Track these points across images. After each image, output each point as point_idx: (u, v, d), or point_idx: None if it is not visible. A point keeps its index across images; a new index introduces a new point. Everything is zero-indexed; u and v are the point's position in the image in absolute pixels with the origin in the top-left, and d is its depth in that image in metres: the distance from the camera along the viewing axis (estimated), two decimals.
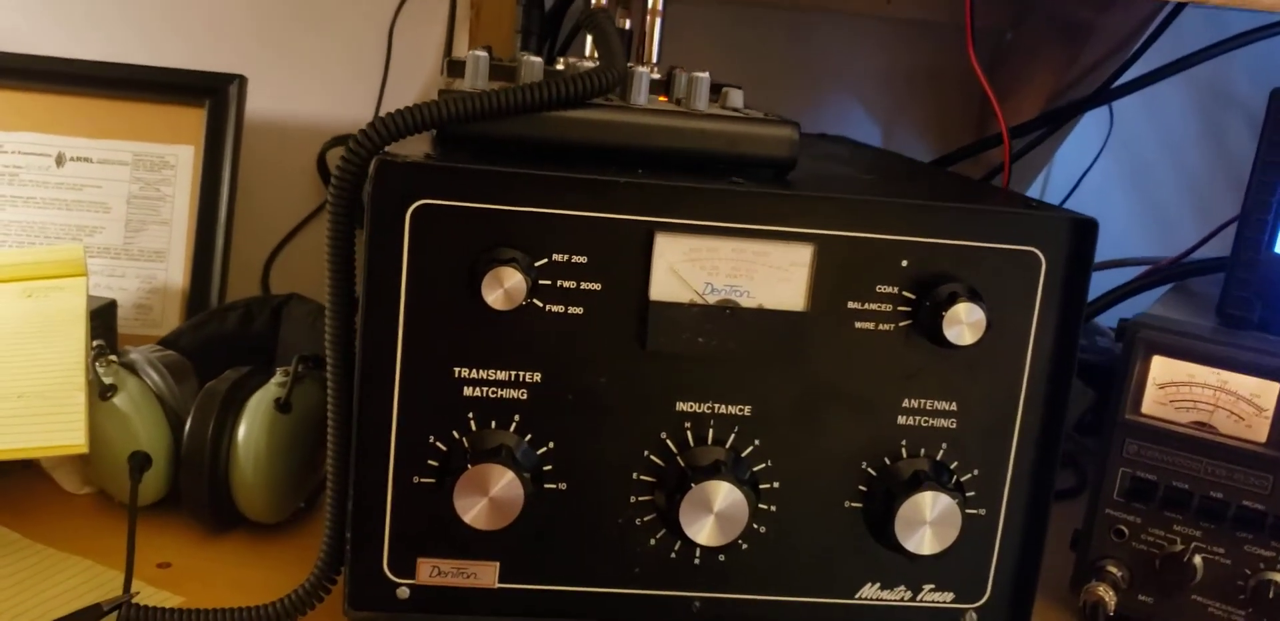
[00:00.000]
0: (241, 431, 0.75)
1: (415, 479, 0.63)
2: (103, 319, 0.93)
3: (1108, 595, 0.67)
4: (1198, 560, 0.66)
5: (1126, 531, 0.69)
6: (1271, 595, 0.64)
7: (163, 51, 1.13)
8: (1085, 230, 0.62)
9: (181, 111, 1.12)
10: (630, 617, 0.66)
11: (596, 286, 0.62)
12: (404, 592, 0.64)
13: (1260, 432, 0.64)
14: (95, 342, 0.81)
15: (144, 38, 1.16)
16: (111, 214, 1.12)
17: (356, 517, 0.63)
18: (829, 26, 1.19)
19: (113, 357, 0.80)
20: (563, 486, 0.64)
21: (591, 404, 0.63)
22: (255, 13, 1.17)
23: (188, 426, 0.76)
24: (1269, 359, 0.64)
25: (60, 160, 1.12)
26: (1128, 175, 1.20)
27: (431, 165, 0.60)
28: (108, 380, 0.77)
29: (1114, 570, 0.68)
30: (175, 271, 1.12)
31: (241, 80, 1.11)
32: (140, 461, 0.76)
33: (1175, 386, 0.67)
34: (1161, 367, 0.67)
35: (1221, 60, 1.03)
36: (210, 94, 1.11)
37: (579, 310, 0.62)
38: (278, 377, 0.78)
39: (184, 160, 1.13)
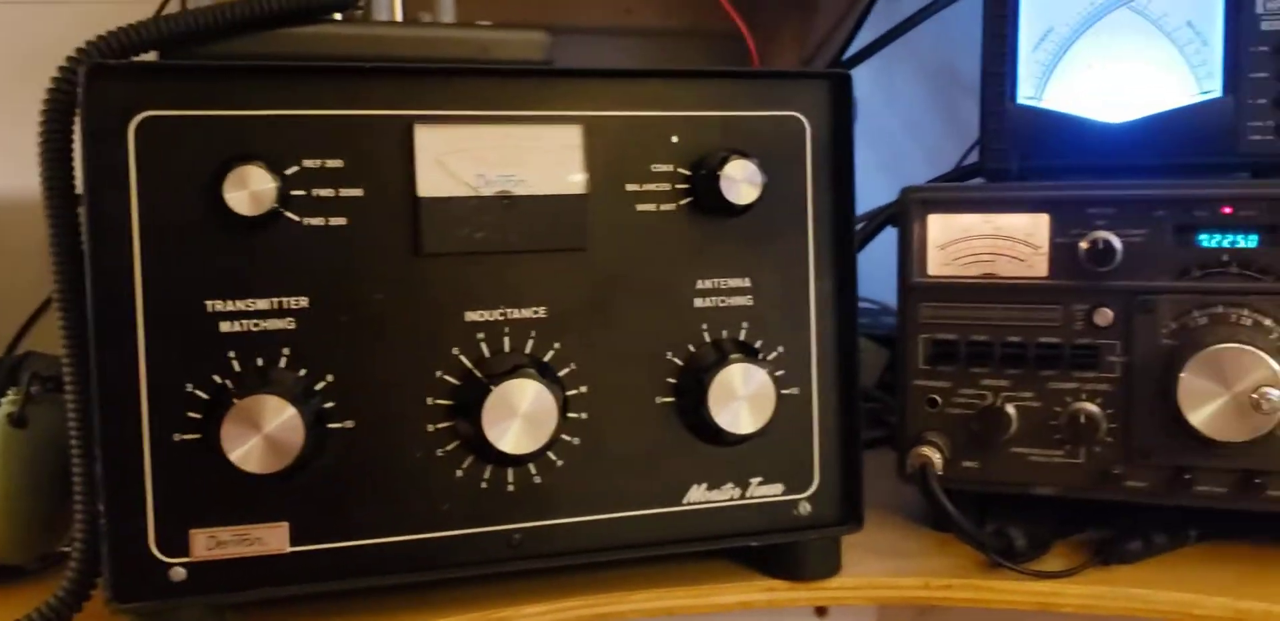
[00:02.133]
0: None
1: (176, 437, 0.55)
2: None
3: (934, 454, 0.65)
4: (1010, 409, 0.66)
5: (939, 399, 0.68)
6: (1083, 420, 0.64)
7: None
8: (840, 86, 0.63)
9: None
10: (445, 563, 0.59)
11: (358, 192, 0.57)
12: (179, 573, 0.55)
13: (1041, 268, 0.66)
14: None
15: None
16: None
17: (110, 491, 0.54)
18: (571, 44, 1.20)
19: None
20: (349, 424, 0.57)
21: (370, 325, 0.57)
22: None
23: None
24: (1033, 192, 0.67)
25: None
26: (882, 161, 1.27)
27: (154, 66, 0.55)
28: None
29: (935, 439, 0.67)
30: None
31: None
32: None
33: (955, 244, 0.68)
34: (939, 226, 0.68)
35: (949, 46, 1.10)
36: None
37: (341, 220, 0.57)
38: (9, 396, 0.68)
39: None
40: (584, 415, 0.60)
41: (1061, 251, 0.66)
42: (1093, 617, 0.63)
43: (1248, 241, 0.63)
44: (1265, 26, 0.65)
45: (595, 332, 0.60)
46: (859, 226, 1.01)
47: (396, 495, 0.58)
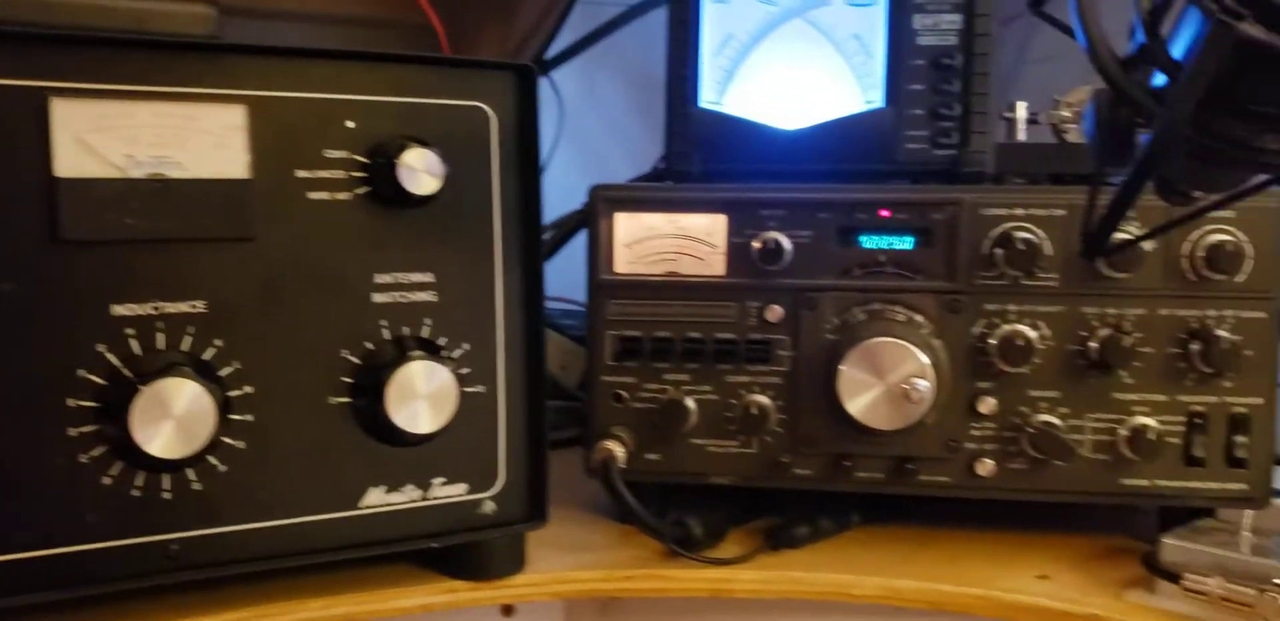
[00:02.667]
0: None
1: None
2: None
3: (618, 448, 0.66)
4: (690, 402, 0.68)
5: (624, 394, 0.69)
6: (755, 412, 0.67)
7: None
8: (526, 78, 0.62)
9: None
10: (92, 579, 0.54)
11: None
12: None
13: (719, 267, 0.68)
14: None
15: None
16: None
17: None
18: (258, 28, 1.14)
19: None
20: None
21: (1, 319, 0.51)
22: None
23: None
24: (712, 194, 0.69)
25: None
26: (588, 166, 1.29)
27: None
28: None
29: (620, 433, 0.68)
30: None
31: None
32: None
33: (640, 242, 0.69)
34: (625, 225, 0.69)
35: (650, 51, 1.13)
36: None
37: None
38: None
39: None
40: (249, 417, 0.56)
41: (737, 251, 0.68)
42: (762, 601, 0.66)
43: (903, 243, 0.67)
44: (921, 42, 0.70)
45: (263, 329, 0.57)
46: (559, 227, 1.01)
47: (34, 506, 0.52)
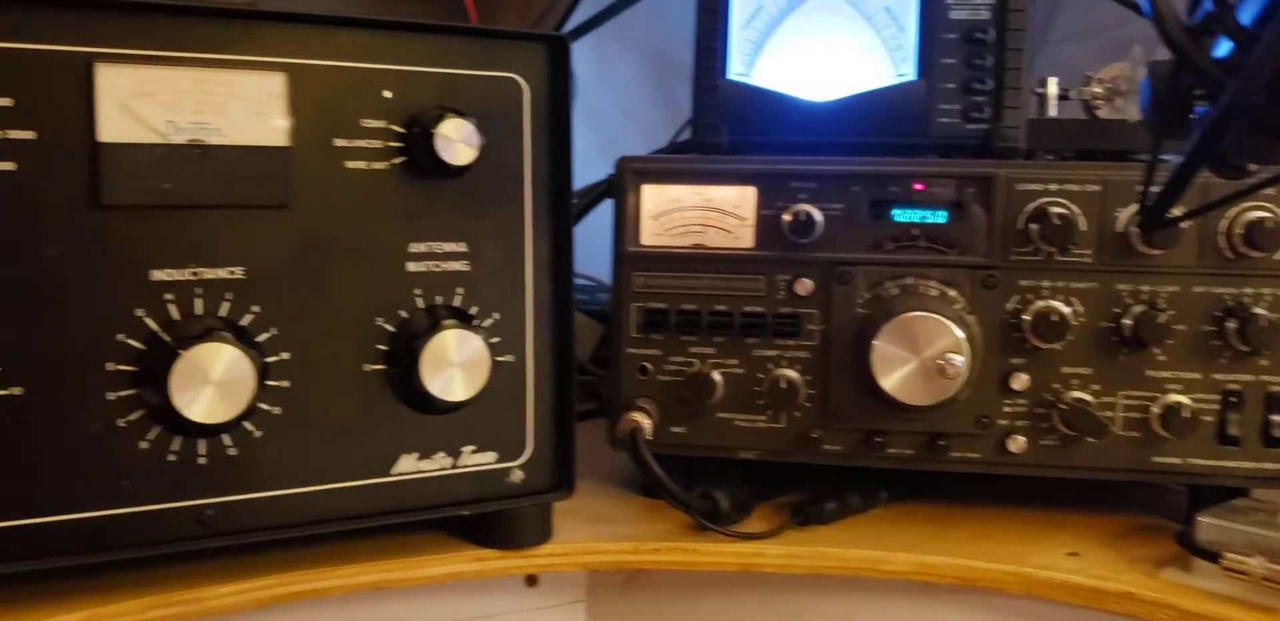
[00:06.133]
0: None
1: None
2: None
3: (644, 419, 0.66)
4: (716, 375, 0.68)
5: (650, 366, 0.69)
6: (784, 386, 0.67)
7: None
8: (558, 49, 0.62)
9: None
10: (126, 543, 0.54)
11: (29, 135, 0.51)
12: None
13: (747, 239, 0.68)
14: None
15: None
16: None
17: None
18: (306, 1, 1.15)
19: None
20: (17, 391, 0.52)
21: (43, 284, 0.52)
22: None
23: None
24: (742, 165, 0.69)
25: None
26: (600, 143, 1.28)
27: None
28: None
29: (646, 405, 0.68)
30: None
31: None
32: None
33: (667, 214, 0.69)
34: (652, 197, 0.69)
35: (662, 27, 1.13)
36: None
37: (9, 165, 0.51)
38: None
39: None
40: (285, 383, 0.57)
41: (766, 223, 0.68)
42: (791, 576, 0.66)
43: (936, 217, 0.67)
44: (954, 15, 0.70)
45: (299, 296, 0.57)
46: (576, 200, 1.02)
47: (72, 469, 0.53)
